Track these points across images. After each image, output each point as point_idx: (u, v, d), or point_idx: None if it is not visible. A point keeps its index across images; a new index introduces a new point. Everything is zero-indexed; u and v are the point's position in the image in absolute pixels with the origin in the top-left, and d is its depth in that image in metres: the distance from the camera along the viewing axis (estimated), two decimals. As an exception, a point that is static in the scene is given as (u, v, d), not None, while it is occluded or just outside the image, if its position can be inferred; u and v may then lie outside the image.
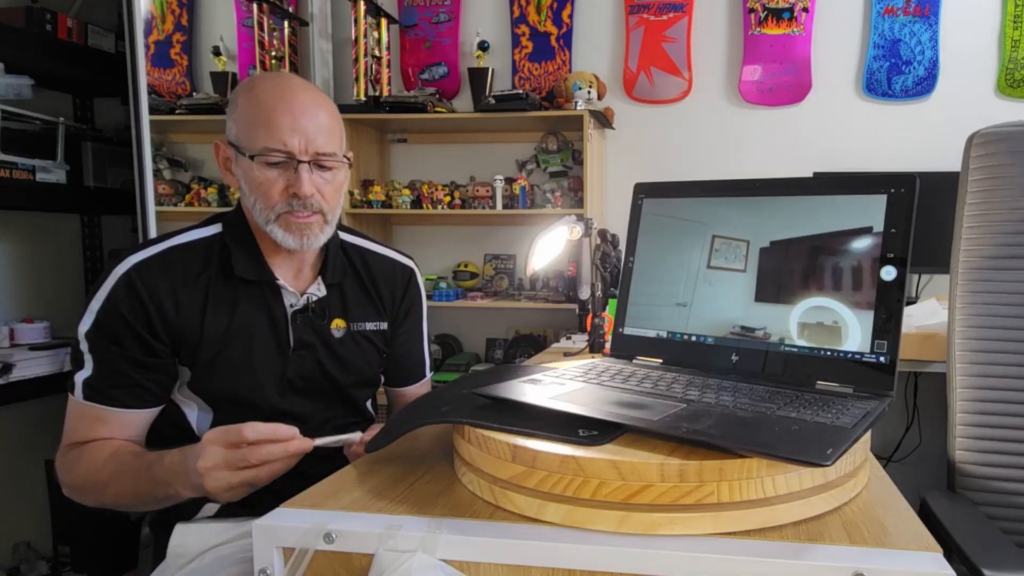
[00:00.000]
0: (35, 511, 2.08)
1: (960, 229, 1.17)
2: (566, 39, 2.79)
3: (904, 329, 0.81)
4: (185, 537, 0.96)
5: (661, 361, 0.95)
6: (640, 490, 0.64)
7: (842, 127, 2.63)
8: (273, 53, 2.75)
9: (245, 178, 1.02)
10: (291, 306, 1.08)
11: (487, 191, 2.67)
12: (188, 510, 1.01)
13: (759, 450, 0.62)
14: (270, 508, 0.71)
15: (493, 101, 2.54)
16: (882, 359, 0.79)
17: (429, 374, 1.30)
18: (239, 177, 1.04)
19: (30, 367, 1.73)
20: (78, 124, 2.17)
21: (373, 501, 0.72)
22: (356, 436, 0.94)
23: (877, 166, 2.59)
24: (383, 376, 1.24)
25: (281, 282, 1.06)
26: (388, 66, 2.82)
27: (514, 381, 0.85)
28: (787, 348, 0.85)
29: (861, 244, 0.82)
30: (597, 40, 2.80)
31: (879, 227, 0.81)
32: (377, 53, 2.75)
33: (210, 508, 1.02)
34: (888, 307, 0.79)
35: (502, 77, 2.84)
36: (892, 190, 0.81)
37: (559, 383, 0.84)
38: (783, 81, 2.64)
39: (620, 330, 1.00)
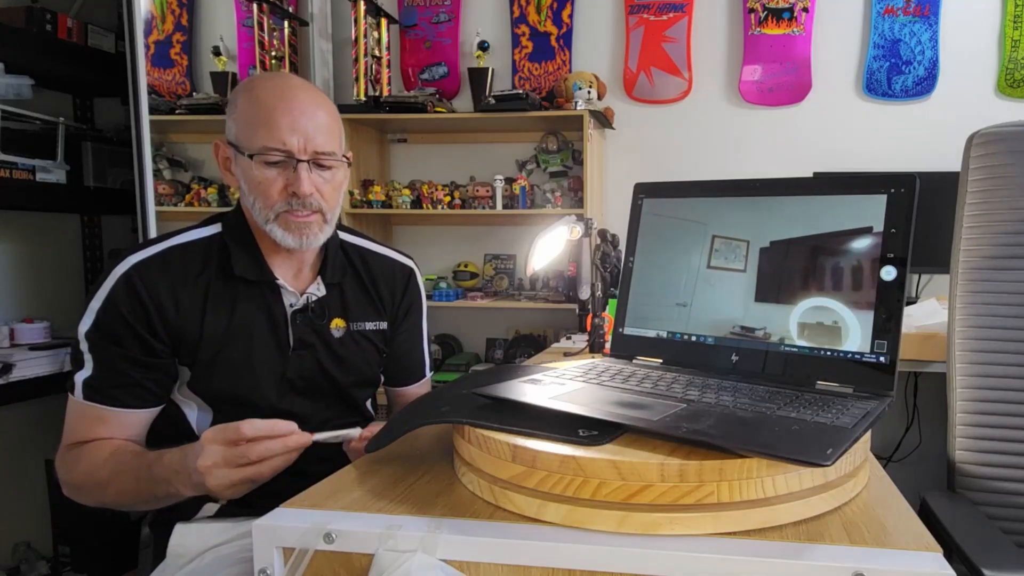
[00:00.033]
0: (35, 511, 2.08)
1: (960, 229, 1.17)
2: (566, 39, 2.79)
3: (904, 329, 0.81)
4: (185, 537, 0.96)
5: (661, 361, 0.95)
6: (640, 490, 0.64)
7: (842, 127, 2.63)
8: (273, 53, 2.75)
9: (244, 177, 1.02)
10: (291, 306, 1.08)
11: (487, 191, 2.67)
12: (188, 510, 1.01)
13: (759, 450, 0.62)
14: (270, 508, 0.71)
15: (493, 101, 2.54)
16: (882, 359, 0.79)
17: (429, 374, 1.30)
18: (238, 177, 1.04)
19: (30, 367, 1.73)
20: (78, 124, 2.17)
21: (373, 501, 0.72)
22: (355, 432, 0.94)
23: (877, 166, 2.59)
24: (383, 376, 1.24)
25: (281, 282, 1.06)
26: (388, 66, 2.82)
27: (514, 381, 0.85)
28: (787, 348, 0.85)
29: (861, 244, 0.82)
30: (597, 40, 2.80)
31: (879, 227, 0.81)
32: (377, 53, 2.75)
33: (210, 508, 1.02)
34: (888, 307, 0.79)
35: (502, 77, 2.84)
36: (892, 190, 0.81)
37: (559, 383, 0.84)
38: (783, 81, 2.64)
39: (620, 330, 1.00)
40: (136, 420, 1.01)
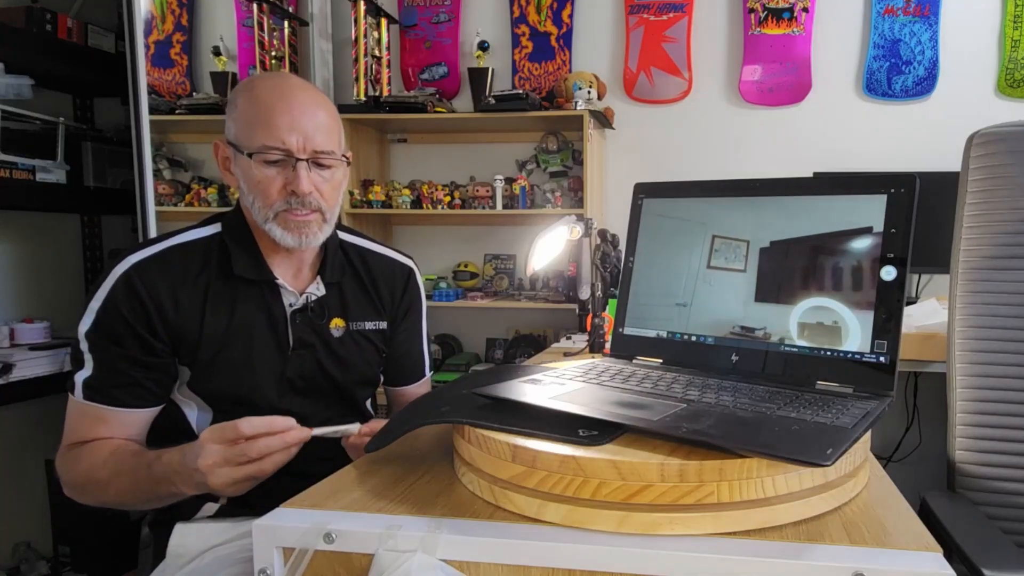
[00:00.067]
0: (35, 511, 2.08)
1: (960, 229, 1.17)
2: (566, 39, 2.79)
3: (904, 329, 0.81)
4: (185, 537, 0.96)
5: (661, 361, 0.95)
6: (640, 490, 0.64)
7: (842, 127, 2.63)
8: (273, 53, 2.75)
9: (244, 177, 1.02)
10: (290, 305, 1.08)
11: (487, 191, 2.67)
12: (188, 510, 1.01)
13: (759, 450, 0.62)
14: (270, 508, 0.71)
15: (493, 101, 2.54)
16: (882, 359, 0.79)
17: (429, 373, 1.30)
18: (238, 176, 1.04)
19: (30, 367, 1.73)
20: (78, 124, 2.17)
21: (373, 501, 0.72)
22: (355, 427, 0.94)
23: (877, 166, 2.59)
24: (383, 376, 1.24)
25: (280, 281, 1.06)
26: (388, 66, 2.82)
27: (514, 381, 0.85)
28: (787, 348, 0.85)
29: (861, 244, 0.82)
30: (597, 40, 2.80)
31: (879, 227, 0.81)
32: (377, 53, 2.75)
33: (210, 508, 1.02)
34: (888, 307, 0.79)
35: (502, 77, 2.84)
36: (892, 190, 0.81)
37: (559, 383, 0.84)
38: (783, 81, 2.64)
39: (620, 330, 1.00)
40: (136, 420, 1.01)
